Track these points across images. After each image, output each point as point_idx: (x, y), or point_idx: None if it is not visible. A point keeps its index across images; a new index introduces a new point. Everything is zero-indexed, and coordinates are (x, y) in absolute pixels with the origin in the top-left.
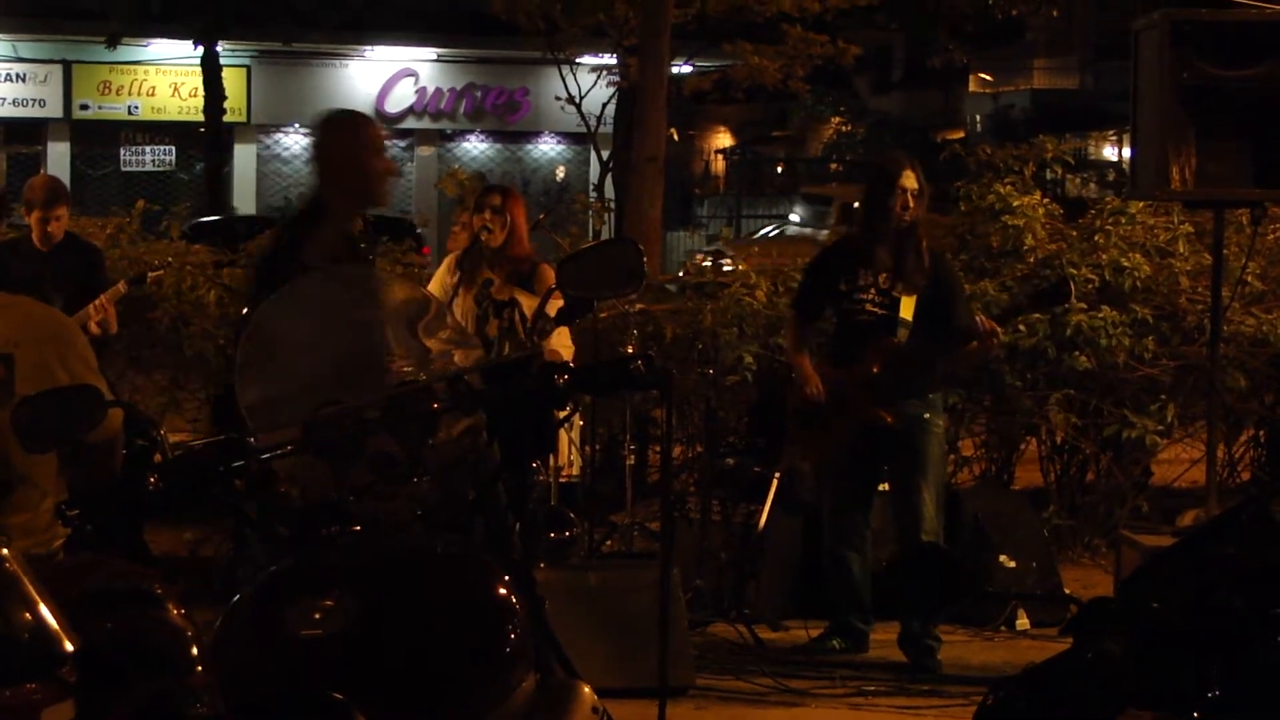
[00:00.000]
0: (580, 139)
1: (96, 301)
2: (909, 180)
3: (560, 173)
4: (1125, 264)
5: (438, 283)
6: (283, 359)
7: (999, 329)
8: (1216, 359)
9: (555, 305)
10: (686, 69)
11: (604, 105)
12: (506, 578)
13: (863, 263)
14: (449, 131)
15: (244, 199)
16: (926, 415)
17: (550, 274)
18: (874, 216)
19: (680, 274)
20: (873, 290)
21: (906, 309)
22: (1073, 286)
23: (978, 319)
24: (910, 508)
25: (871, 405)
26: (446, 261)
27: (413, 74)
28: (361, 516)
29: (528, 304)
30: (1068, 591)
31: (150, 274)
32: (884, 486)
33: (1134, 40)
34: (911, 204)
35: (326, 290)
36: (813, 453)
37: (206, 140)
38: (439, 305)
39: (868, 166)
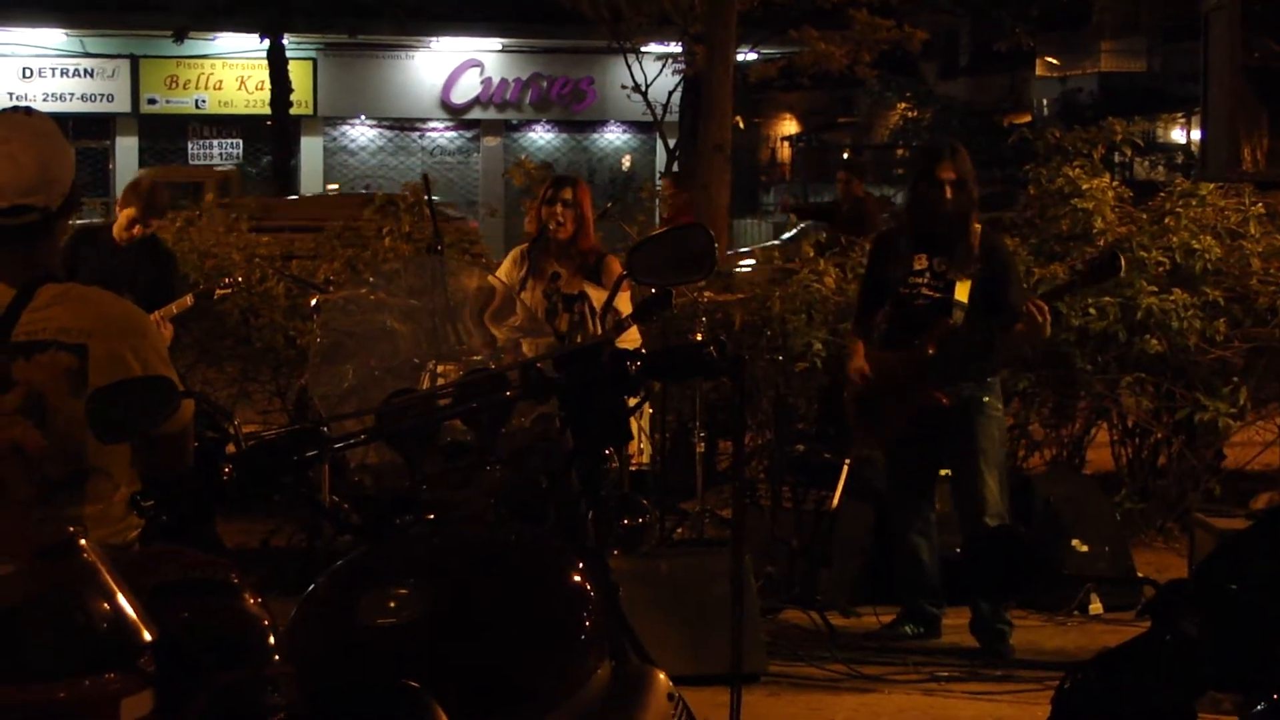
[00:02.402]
0: (646, 128)
1: (152, 316)
2: (946, 171)
3: (626, 161)
4: (1196, 246)
5: (503, 276)
6: (352, 350)
7: (1044, 306)
8: None
9: (624, 297)
10: (752, 56)
11: (670, 93)
12: (580, 565)
13: (915, 249)
14: (515, 122)
15: (311, 192)
16: (985, 399)
17: (617, 266)
18: (917, 206)
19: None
20: (928, 274)
21: (961, 292)
22: (1123, 260)
23: (1028, 300)
24: (972, 492)
25: (927, 387)
26: (512, 254)
27: (478, 64)
28: (434, 505)
29: (597, 297)
30: (1141, 574)
31: (218, 290)
32: (946, 472)
33: (1204, 21)
34: (950, 194)
35: (399, 281)
36: (872, 438)
37: (273, 133)
38: (506, 292)
39: (913, 153)
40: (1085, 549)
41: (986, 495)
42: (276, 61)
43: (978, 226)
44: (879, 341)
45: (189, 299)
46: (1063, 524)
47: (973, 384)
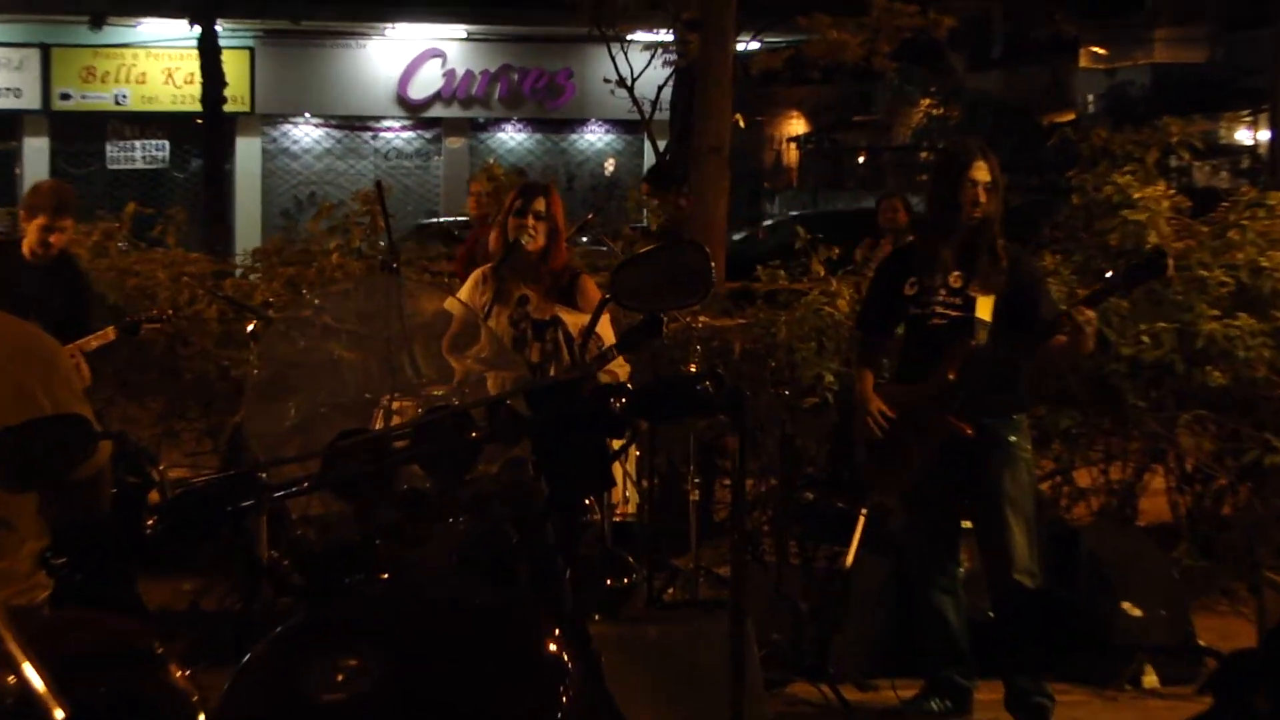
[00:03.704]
0: (632, 127)
1: (68, 348)
2: (980, 172)
3: (610, 166)
4: (1264, 264)
5: (465, 299)
6: (295, 384)
7: (1090, 312)
8: None
9: (606, 323)
10: (754, 45)
11: (659, 88)
12: (556, 632)
13: (931, 263)
14: (482, 120)
15: (248, 201)
16: (1011, 438)
17: (592, 287)
18: (941, 212)
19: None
20: (943, 291)
21: (984, 309)
22: (1170, 260)
23: (1066, 311)
24: (998, 545)
25: (948, 418)
26: (474, 276)
27: (440, 55)
28: (388, 562)
29: (572, 322)
30: (1203, 643)
31: (146, 325)
32: (968, 524)
33: (1276, 4)
34: (982, 198)
35: (348, 304)
36: (888, 483)
37: (205, 133)
38: (469, 317)
39: (938, 155)
40: (1138, 613)
41: (1014, 548)
42: (208, 51)
43: (1002, 241)
44: (891, 370)
45: (110, 332)
46: (1112, 584)
47: (996, 421)
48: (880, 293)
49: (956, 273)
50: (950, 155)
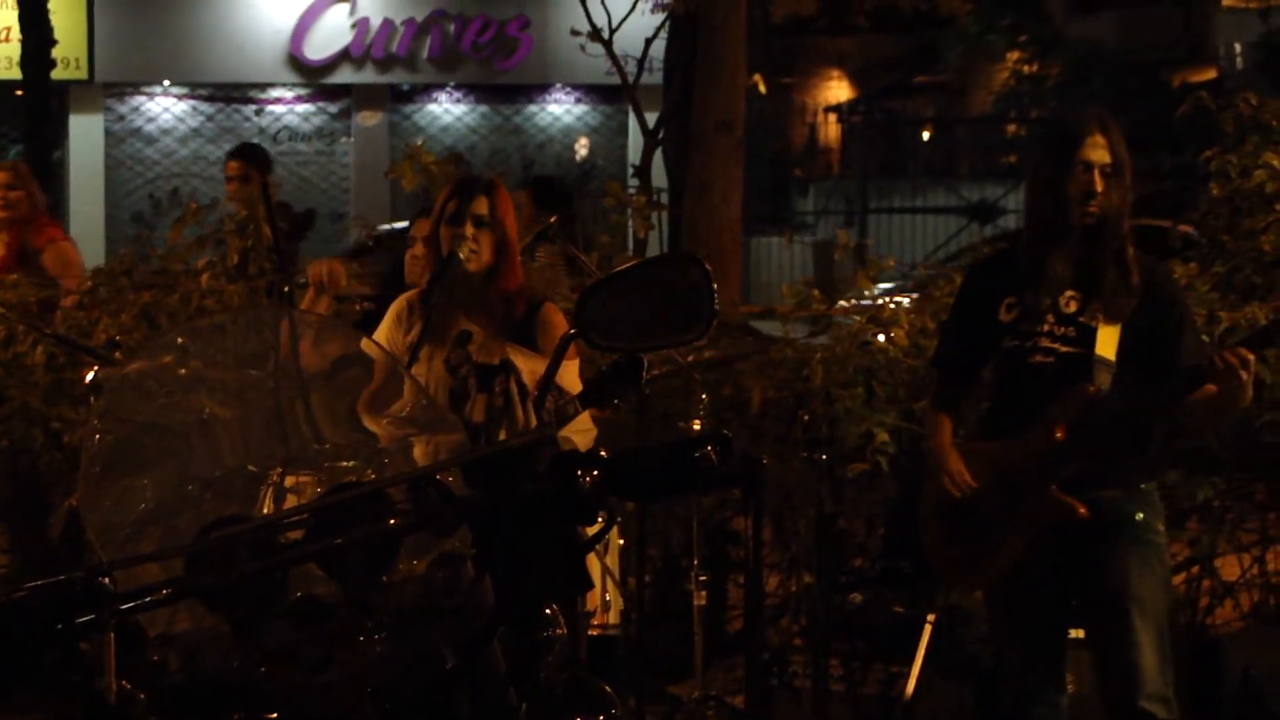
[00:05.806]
0: (611, 95)
1: None
2: (1095, 150)
3: (582, 148)
4: None
5: (383, 339)
6: (152, 454)
7: (1249, 356)
8: None
9: (572, 369)
10: None
11: (648, 42)
12: None
13: (1036, 278)
14: (405, 88)
15: (86, 200)
16: (1139, 515)
17: (560, 319)
18: (1045, 207)
19: None
20: (1051, 317)
21: (1106, 343)
22: None
23: (1215, 353)
24: (1120, 662)
25: (1053, 492)
26: (395, 307)
27: None
28: (278, 697)
29: (530, 368)
30: None
31: None
32: (1078, 633)
33: None
34: (1098, 186)
35: (218, 347)
36: (969, 579)
37: (25, 109)
38: (389, 364)
39: (1038, 132)
40: None
41: (1142, 666)
42: None
43: (1132, 249)
44: (976, 423)
45: None
46: (1270, 710)
47: (1119, 492)
48: (966, 316)
49: (1071, 293)
50: (1053, 132)
